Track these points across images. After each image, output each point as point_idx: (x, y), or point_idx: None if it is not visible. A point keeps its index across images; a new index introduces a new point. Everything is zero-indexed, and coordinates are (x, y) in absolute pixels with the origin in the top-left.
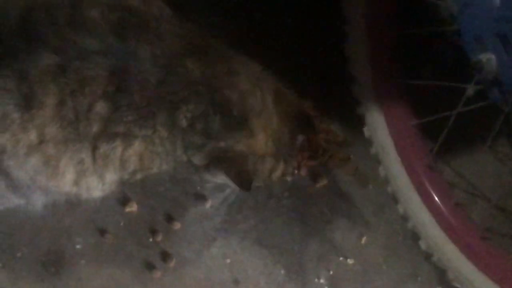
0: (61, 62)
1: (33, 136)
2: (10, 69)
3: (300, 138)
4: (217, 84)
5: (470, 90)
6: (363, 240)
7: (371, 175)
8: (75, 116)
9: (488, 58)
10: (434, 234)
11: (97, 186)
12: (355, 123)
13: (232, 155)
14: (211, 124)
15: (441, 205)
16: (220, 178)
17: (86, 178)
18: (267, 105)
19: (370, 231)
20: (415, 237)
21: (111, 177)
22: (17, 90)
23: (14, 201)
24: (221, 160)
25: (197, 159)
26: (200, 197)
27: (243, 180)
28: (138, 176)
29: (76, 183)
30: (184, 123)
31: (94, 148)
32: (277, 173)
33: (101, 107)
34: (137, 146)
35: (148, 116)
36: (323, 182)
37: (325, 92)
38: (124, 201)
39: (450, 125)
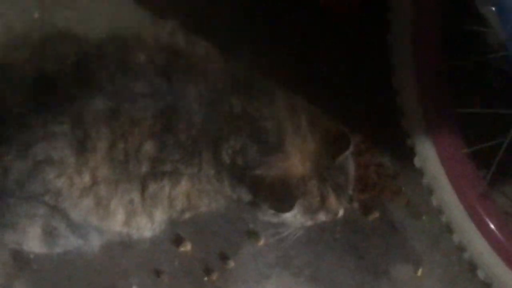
0: (113, 106)
1: (86, 178)
2: (66, 114)
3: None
4: (256, 116)
5: None
6: (419, 272)
7: (424, 207)
8: (125, 157)
9: None
10: (492, 263)
11: (147, 226)
12: (406, 154)
13: (269, 180)
14: (249, 155)
15: (497, 233)
16: (270, 215)
17: (136, 218)
18: (301, 127)
19: (426, 263)
20: (472, 267)
21: (160, 216)
22: (72, 135)
23: (73, 242)
24: (258, 188)
25: (245, 195)
26: (253, 235)
27: (283, 203)
28: (187, 215)
29: (127, 223)
30: (227, 159)
31: (143, 188)
32: (331, 200)
33: (149, 147)
34: (184, 184)
35: (194, 154)
36: (375, 215)
37: (375, 125)
38: (177, 241)
39: (502, 152)
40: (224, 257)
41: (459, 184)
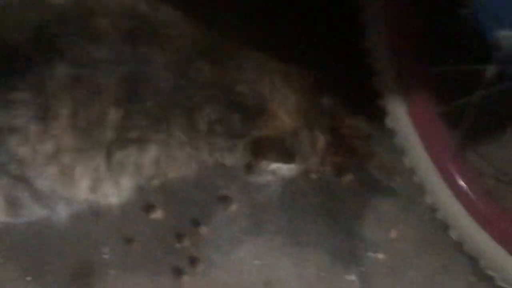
0: (75, 73)
1: (49, 146)
2: (27, 81)
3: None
4: (229, 83)
5: (490, 71)
6: (393, 234)
7: (398, 168)
8: (88, 125)
9: (506, 35)
10: (464, 223)
11: (113, 192)
12: (378, 115)
13: (265, 141)
14: (232, 125)
15: (470, 193)
16: (265, 175)
17: (102, 185)
18: (277, 84)
19: (400, 224)
20: (445, 227)
21: (127, 183)
22: (33, 102)
23: (39, 212)
24: (258, 150)
25: (230, 160)
26: (225, 200)
27: (287, 156)
28: (156, 181)
29: (93, 190)
30: (203, 127)
31: (109, 155)
32: (320, 143)
33: (113, 114)
34: (152, 151)
35: (161, 120)
36: (348, 177)
37: (346, 86)
38: (148, 208)
39: (472, 109)
40: (196, 223)
41: (431, 143)
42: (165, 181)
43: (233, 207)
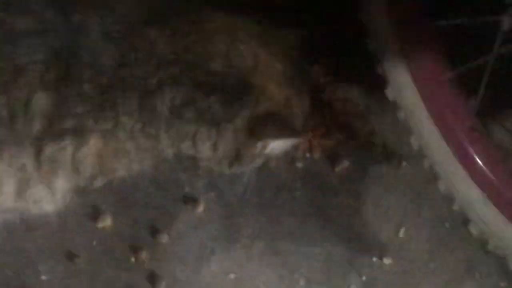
0: None
1: None
2: None
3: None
4: (196, 59)
5: (507, 22)
6: (401, 232)
7: (404, 151)
8: (10, 114)
9: None
10: (487, 215)
11: (46, 197)
12: (376, 86)
13: (263, 119)
14: (209, 109)
15: (492, 177)
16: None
17: (30, 188)
18: (256, 53)
19: (409, 220)
20: (464, 222)
21: (63, 184)
22: None
23: None
24: (257, 131)
25: (203, 151)
26: (190, 200)
27: (290, 129)
28: (100, 181)
29: (20, 195)
30: (165, 112)
31: (38, 151)
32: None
33: (42, 100)
34: (93, 143)
35: (105, 106)
36: (343, 165)
37: (338, 53)
38: (95, 215)
39: (488, 72)
40: (155, 231)
41: (442, 117)
42: (113, 181)
43: (200, 208)
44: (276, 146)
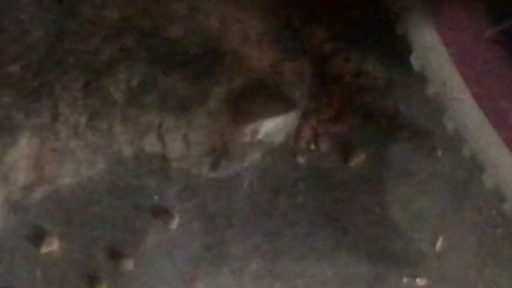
0: None
1: None
2: None
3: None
4: (151, 27)
5: None
6: (439, 243)
7: (438, 135)
8: None
9: None
10: None
11: None
12: (397, 52)
13: (245, 94)
14: (173, 89)
15: None
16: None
17: None
18: (223, 10)
19: (449, 227)
20: None
21: None
22: None
23: None
24: (241, 111)
25: (175, 148)
26: (161, 213)
27: (283, 101)
28: (39, 192)
29: None
30: (120, 97)
31: None
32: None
33: None
34: (25, 143)
35: (39, 93)
36: (359, 157)
37: (346, 10)
38: (37, 237)
39: None
40: (116, 255)
41: (485, 90)
42: (56, 191)
43: (174, 223)
44: (273, 128)
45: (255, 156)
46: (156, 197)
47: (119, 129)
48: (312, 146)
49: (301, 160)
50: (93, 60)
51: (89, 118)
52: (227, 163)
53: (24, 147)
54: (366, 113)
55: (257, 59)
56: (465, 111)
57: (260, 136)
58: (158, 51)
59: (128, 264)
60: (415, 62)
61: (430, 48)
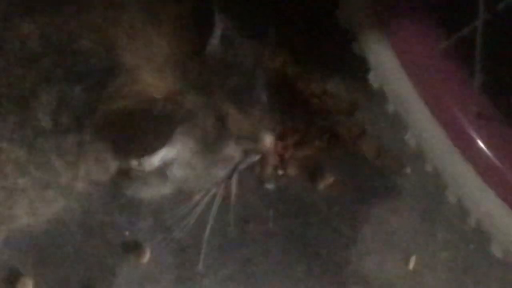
0: None
1: None
2: None
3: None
4: (60, 40)
5: None
6: (412, 263)
7: (404, 152)
8: None
9: None
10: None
11: None
12: (358, 71)
13: (115, 119)
14: (75, 101)
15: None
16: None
17: None
18: (132, 22)
19: (421, 246)
20: (486, 240)
21: None
22: None
23: None
24: (110, 130)
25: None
26: (132, 248)
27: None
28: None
29: None
30: (49, 122)
31: None
32: (234, 114)
33: None
34: None
35: None
36: (328, 180)
37: (307, 36)
38: (11, 278)
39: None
40: None
41: (439, 103)
42: (31, 232)
43: (146, 257)
44: (158, 162)
45: (164, 188)
46: (127, 232)
47: (57, 161)
48: (280, 172)
49: (269, 186)
50: (21, 90)
51: (27, 152)
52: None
53: None
54: (332, 135)
55: (154, 83)
56: (423, 126)
57: (148, 169)
58: (70, 67)
59: None
60: (373, 80)
61: (386, 65)
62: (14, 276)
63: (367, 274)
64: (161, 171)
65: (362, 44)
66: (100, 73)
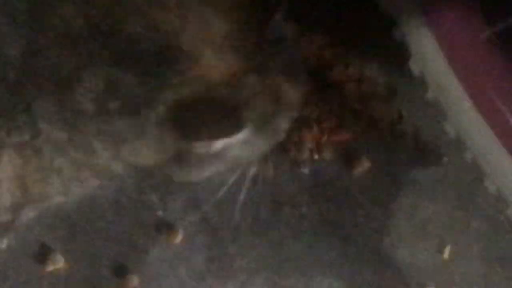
0: None
1: None
2: None
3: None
4: (109, 26)
5: None
6: (446, 252)
7: (442, 140)
8: None
9: None
10: None
11: None
12: (398, 57)
13: (187, 108)
14: (130, 90)
15: None
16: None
17: None
18: (193, 9)
19: (456, 235)
20: None
21: None
22: None
23: None
24: (180, 127)
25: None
26: (165, 228)
27: (229, 120)
28: (30, 211)
29: None
30: (89, 106)
31: None
32: (288, 90)
33: None
34: (7, 161)
35: (17, 108)
36: (363, 166)
37: (346, 20)
38: (42, 255)
39: None
40: (121, 271)
41: (482, 93)
42: (62, 208)
43: (179, 238)
44: (225, 145)
45: (219, 167)
46: (160, 212)
47: (96, 144)
48: (316, 156)
49: (305, 170)
50: (63, 72)
51: (68, 133)
52: (187, 170)
53: (6, 167)
54: (369, 120)
55: (215, 66)
56: (464, 116)
57: (213, 151)
58: (119, 51)
59: (133, 280)
60: (414, 67)
61: (427, 52)
62: (45, 252)
63: (400, 261)
64: (219, 154)
65: (403, 30)
66: (154, 58)
